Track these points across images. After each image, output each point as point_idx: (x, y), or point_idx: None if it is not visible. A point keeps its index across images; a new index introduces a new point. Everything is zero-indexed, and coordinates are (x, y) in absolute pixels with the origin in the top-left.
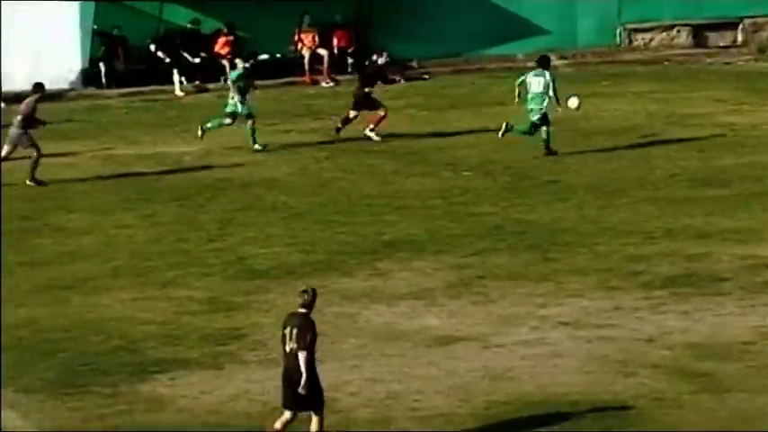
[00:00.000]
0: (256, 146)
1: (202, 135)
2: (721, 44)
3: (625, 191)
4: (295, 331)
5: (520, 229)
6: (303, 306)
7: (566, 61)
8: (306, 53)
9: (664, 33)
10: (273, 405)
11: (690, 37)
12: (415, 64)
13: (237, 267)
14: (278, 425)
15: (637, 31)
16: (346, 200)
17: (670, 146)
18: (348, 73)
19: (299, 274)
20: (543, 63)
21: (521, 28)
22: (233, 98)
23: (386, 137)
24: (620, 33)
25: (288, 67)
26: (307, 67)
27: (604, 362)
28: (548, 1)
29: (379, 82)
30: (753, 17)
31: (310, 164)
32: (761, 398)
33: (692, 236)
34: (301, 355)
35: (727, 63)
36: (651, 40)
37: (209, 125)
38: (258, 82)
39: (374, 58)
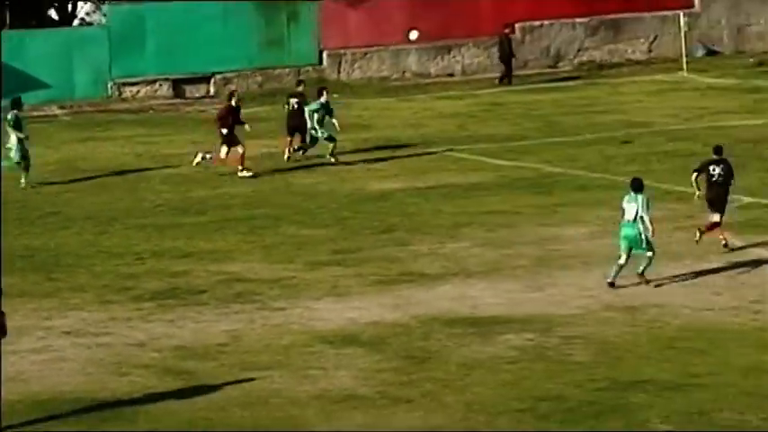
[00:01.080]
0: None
1: None
2: (197, 95)
3: (118, 219)
4: None
5: (28, 254)
6: None
7: (65, 111)
8: None
9: (148, 86)
10: None
11: (170, 89)
12: None
13: None
14: None
15: (125, 84)
16: None
17: (155, 181)
18: None
19: None
20: (320, 93)
21: (25, 81)
22: (10, 143)
23: None
24: (110, 86)
25: None
26: None
27: (102, 364)
28: (48, 58)
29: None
30: (222, 72)
31: None
32: (233, 390)
33: (176, 256)
34: None
35: (202, 111)
36: (138, 92)
37: (4, 163)
38: None
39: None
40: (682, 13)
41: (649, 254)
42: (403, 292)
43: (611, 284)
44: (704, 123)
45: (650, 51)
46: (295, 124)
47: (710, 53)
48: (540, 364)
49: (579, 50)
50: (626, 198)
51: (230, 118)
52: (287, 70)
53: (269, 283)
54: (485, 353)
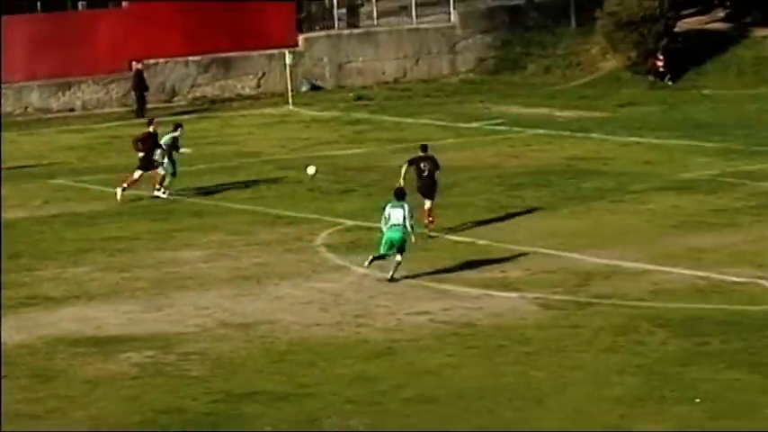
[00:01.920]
0: None
1: None
2: None
3: None
4: None
5: None
6: None
7: None
8: None
9: None
10: None
11: None
12: None
13: None
14: None
15: None
16: None
17: None
18: None
19: None
20: (176, 127)
21: None
22: None
23: None
24: None
25: None
26: None
27: None
28: None
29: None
30: None
31: None
32: None
33: None
34: None
35: None
36: None
37: None
38: None
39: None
40: (287, 51)
41: (399, 257)
42: (29, 315)
43: (392, 279)
44: (309, 153)
45: (259, 87)
46: None
47: (314, 88)
48: (160, 380)
49: (193, 86)
50: (389, 205)
51: (148, 143)
52: None
53: None
54: (107, 370)
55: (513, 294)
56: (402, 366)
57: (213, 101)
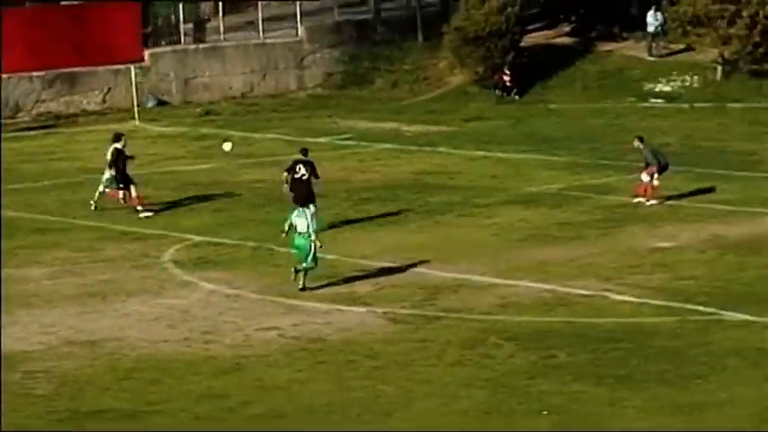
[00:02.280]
0: None
1: None
2: None
3: None
4: None
5: None
6: None
7: None
8: None
9: None
10: None
11: None
12: None
13: None
14: None
15: None
16: None
17: None
18: None
19: None
20: (116, 138)
21: None
22: None
23: None
24: None
25: None
26: None
27: None
28: None
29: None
30: None
31: None
32: None
33: None
34: None
35: None
36: None
37: None
38: None
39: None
40: (132, 67)
41: (306, 264)
42: None
43: (304, 288)
44: (156, 168)
45: (104, 102)
46: None
47: (161, 103)
48: (4, 398)
49: (37, 102)
50: (295, 213)
51: (120, 159)
52: None
53: None
54: None
55: (362, 309)
56: (250, 382)
57: (58, 116)
